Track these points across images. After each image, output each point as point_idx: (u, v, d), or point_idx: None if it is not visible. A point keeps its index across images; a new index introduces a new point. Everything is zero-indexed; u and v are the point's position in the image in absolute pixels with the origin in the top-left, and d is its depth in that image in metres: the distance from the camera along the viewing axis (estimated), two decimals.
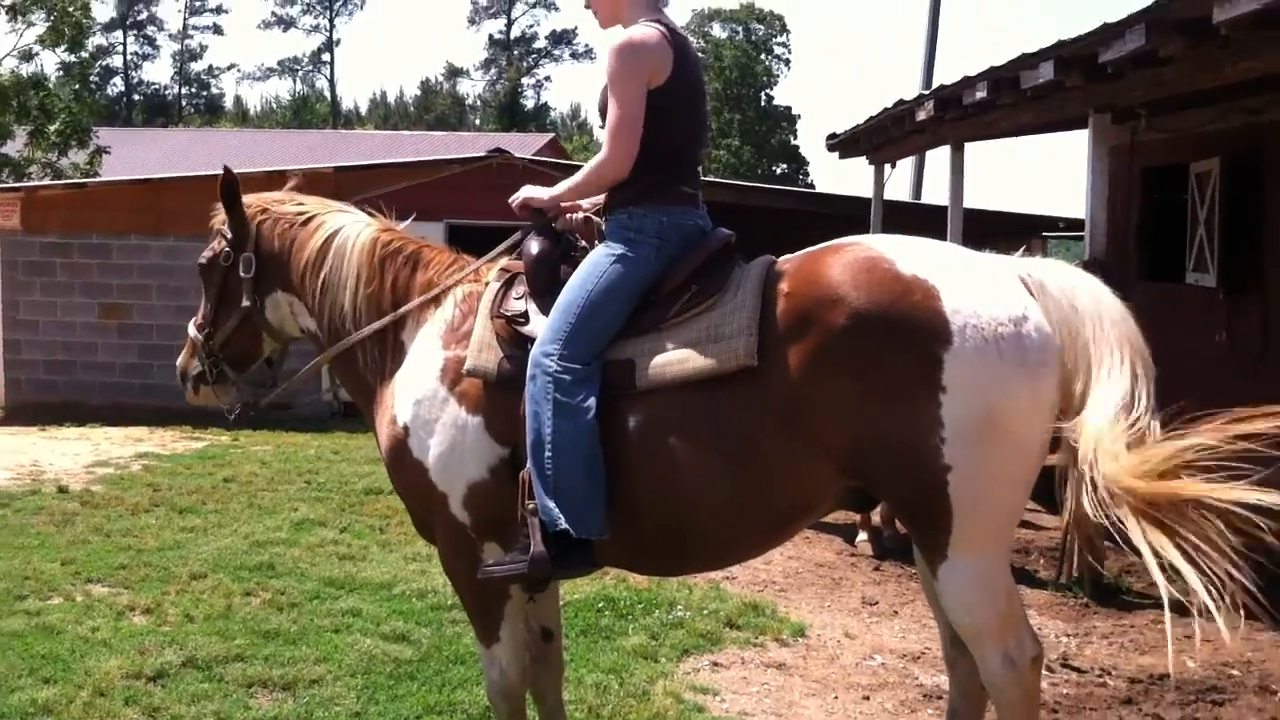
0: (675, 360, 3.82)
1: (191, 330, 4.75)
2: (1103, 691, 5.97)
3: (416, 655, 6.21)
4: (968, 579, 3.65)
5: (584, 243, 4.28)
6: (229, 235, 4.59)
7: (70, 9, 28.83)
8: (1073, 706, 5.76)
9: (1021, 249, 4.30)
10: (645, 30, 4.03)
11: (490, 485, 4.03)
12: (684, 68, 4.07)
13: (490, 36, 79.99)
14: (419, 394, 4.15)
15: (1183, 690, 5.97)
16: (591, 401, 3.82)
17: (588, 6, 4.32)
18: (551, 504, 3.81)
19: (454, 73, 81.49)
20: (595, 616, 6.89)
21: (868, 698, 5.88)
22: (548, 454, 3.81)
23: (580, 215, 4.36)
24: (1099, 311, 3.67)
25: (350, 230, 4.49)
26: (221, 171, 4.62)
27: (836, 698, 5.88)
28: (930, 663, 6.35)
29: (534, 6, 79.53)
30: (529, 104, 78.45)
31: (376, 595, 7.30)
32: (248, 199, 4.63)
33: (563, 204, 4.27)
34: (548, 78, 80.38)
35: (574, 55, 79.44)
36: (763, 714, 5.65)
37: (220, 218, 4.66)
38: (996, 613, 3.67)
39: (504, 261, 4.33)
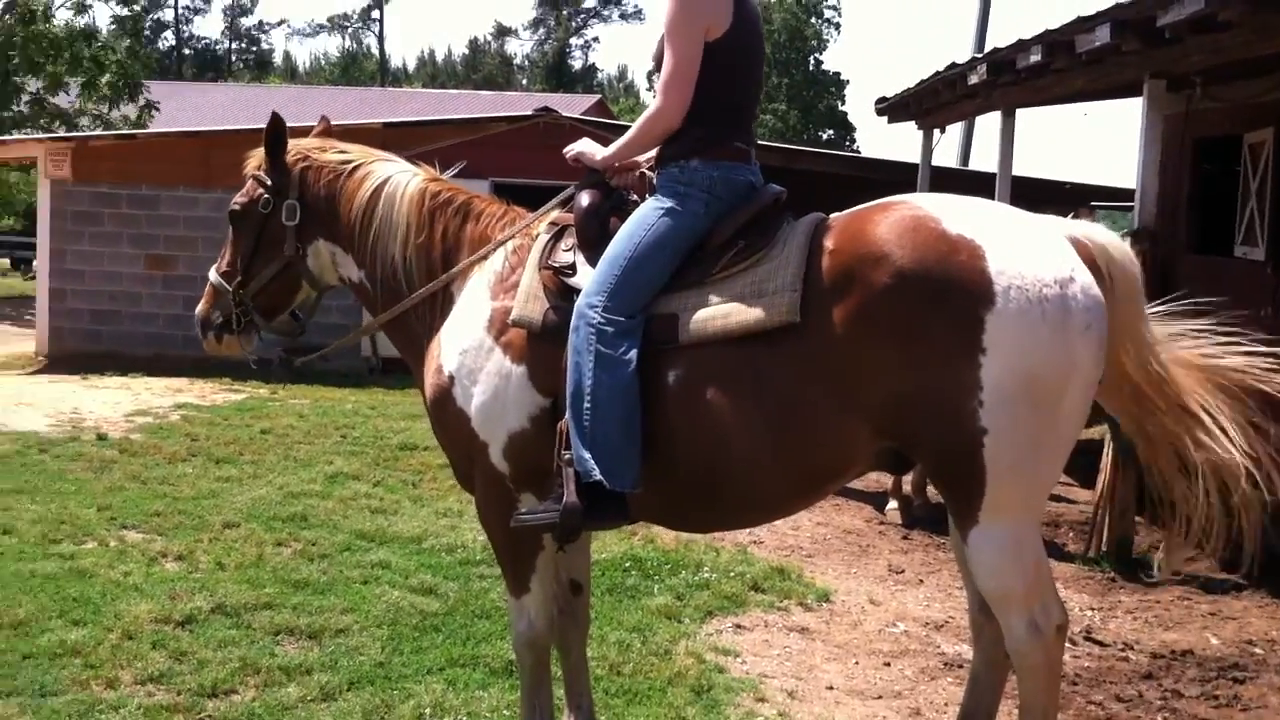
0: (718, 315, 3.79)
1: (214, 278, 4.64)
2: (1124, 665, 5.94)
3: (443, 608, 6.23)
4: (998, 544, 3.60)
5: (635, 197, 4.25)
6: (268, 182, 4.51)
7: None
8: (1093, 679, 5.72)
9: (1070, 216, 4.24)
10: None
11: (530, 435, 4.02)
12: (743, 20, 4.03)
13: None
14: (465, 344, 4.14)
15: (1204, 667, 5.94)
16: (633, 354, 3.80)
17: None
18: (587, 454, 3.79)
19: (502, 32, 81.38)
20: (622, 576, 6.88)
21: (889, 664, 5.86)
22: (586, 404, 3.79)
23: (637, 172, 4.31)
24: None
25: (399, 180, 4.45)
26: (270, 118, 4.54)
27: (857, 663, 5.86)
28: (953, 631, 6.31)
29: None
30: (576, 65, 78.27)
31: (406, 549, 7.33)
32: (290, 144, 4.58)
33: (617, 162, 4.23)
34: (596, 38, 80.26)
35: (623, 16, 79.16)
36: (783, 676, 5.63)
37: (255, 163, 4.61)
38: (1024, 579, 3.63)
39: (554, 215, 4.29)
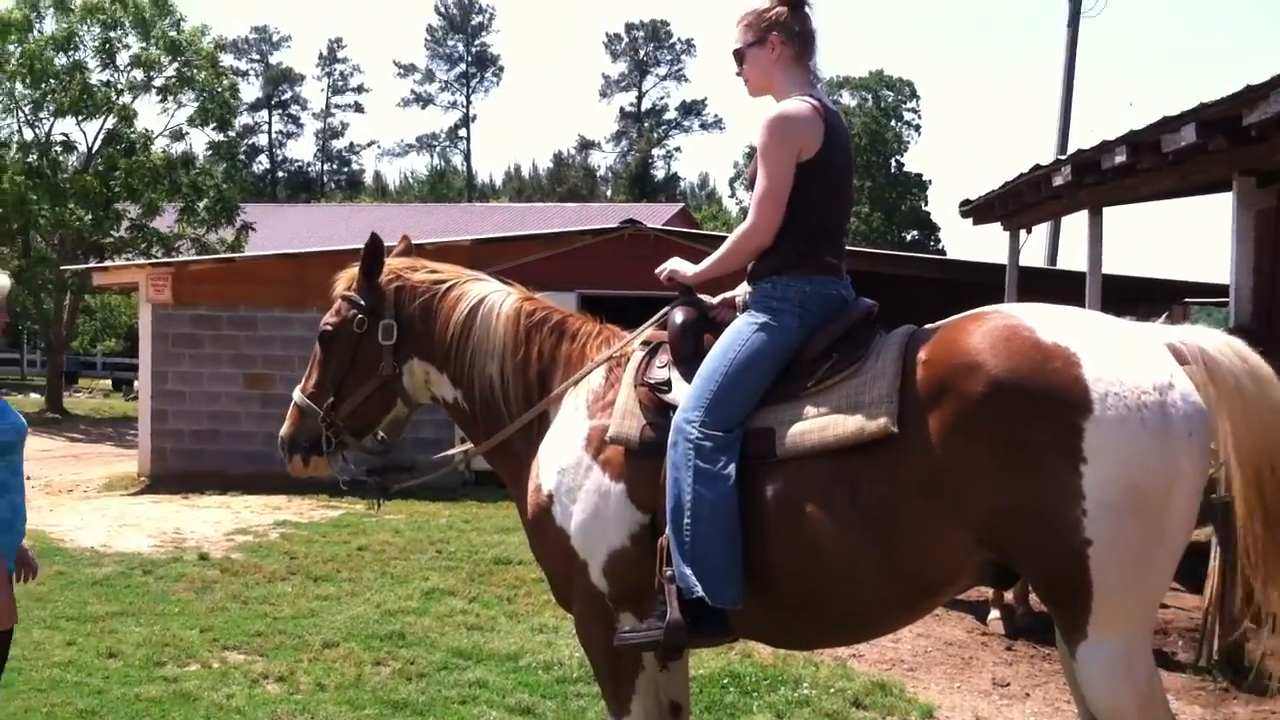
0: (815, 428, 3.80)
1: (300, 399, 4.59)
2: None
3: None
4: (1108, 660, 3.52)
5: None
6: (361, 302, 4.52)
7: (218, 89, 30.02)
8: None
9: (1163, 315, 4.18)
10: (798, 104, 4.06)
11: (631, 553, 4.03)
12: (833, 142, 4.08)
13: (621, 109, 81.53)
14: (564, 462, 4.17)
15: None
16: (732, 469, 3.81)
17: (739, 74, 4.34)
18: (689, 571, 3.79)
19: (585, 145, 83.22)
20: (720, 693, 6.78)
21: None
22: (687, 520, 3.80)
23: (737, 304, 4.32)
24: (1263, 384, 3.56)
25: (494, 299, 4.50)
26: (368, 239, 4.55)
27: None
28: None
29: (665, 79, 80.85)
30: (659, 174, 79.46)
31: (503, 666, 7.30)
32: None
33: (709, 278, 4.27)
34: (677, 148, 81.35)
35: (703, 125, 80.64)
36: None
37: (345, 283, 4.62)
38: (1137, 696, 3.53)
39: (649, 332, 4.34)
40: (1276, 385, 3.59)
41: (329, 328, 4.58)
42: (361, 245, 4.59)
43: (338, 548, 11.45)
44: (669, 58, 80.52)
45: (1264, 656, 7.05)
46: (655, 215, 33.46)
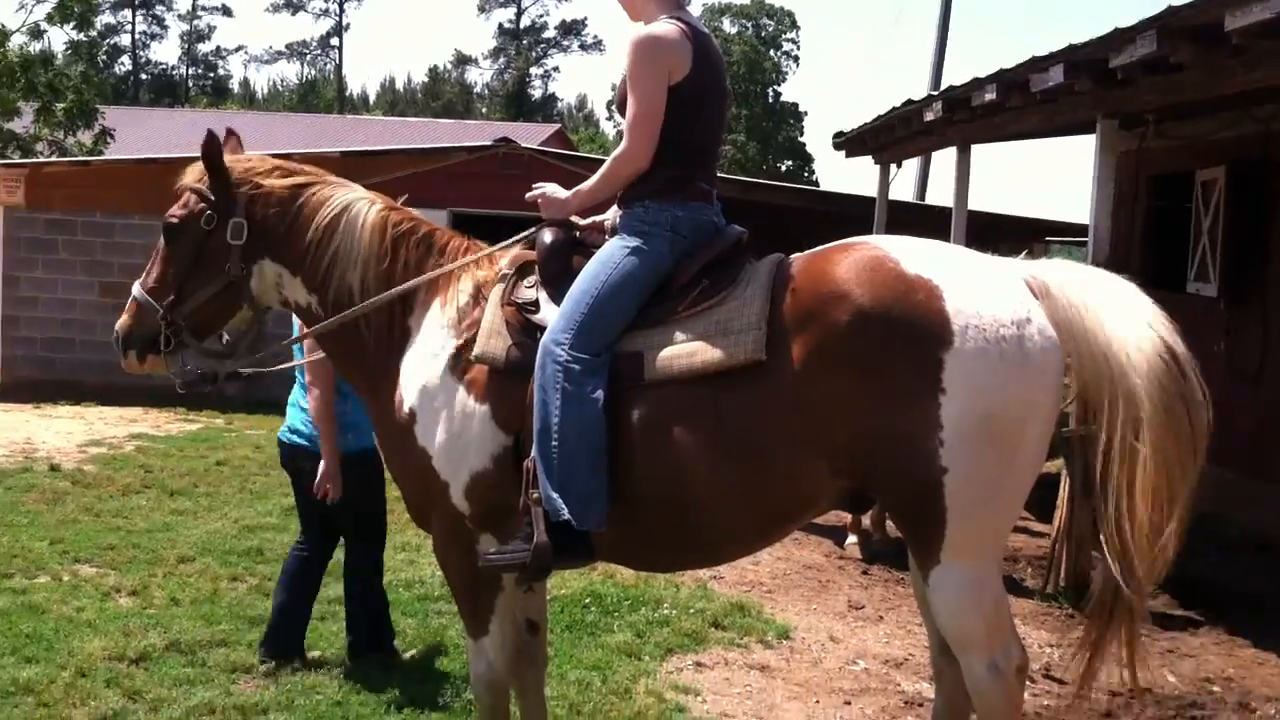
0: (684, 353, 3.82)
1: (140, 294, 4.35)
2: (1082, 704, 5.90)
3: (401, 646, 6.16)
4: (958, 584, 3.63)
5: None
6: (211, 197, 4.29)
7: None
8: (1052, 718, 5.72)
9: (1024, 252, 4.27)
10: (665, 26, 4.02)
11: (492, 474, 4.00)
12: (704, 64, 4.05)
13: (500, 25, 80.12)
14: (426, 380, 4.10)
15: (1163, 705, 5.92)
16: (600, 392, 3.80)
17: None
18: (555, 494, 3.78)
19: (462, 60, 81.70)
20: (581, 612, 6.84)
21: (849, 703, 5.85)
22: (554, 443, 3.78)
23: (606, 228, 4.29)
24: (1108, 303, 3.63)
25: (359, 207, 4.32)
26: (205, 136, 4.29)
27: (818, 702, 5.84)
28: (913, 669, 6.31)
29: None
30: (536, 94, 78.56)
31: None
32: (229, 160, 4.35)
33: (584, 206, 4.23)
34: (556, 68, 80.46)
35: (583, 46, 79.59)
36: (744, 716, 5.61)
37: (194, 176, 4.38)
38: (985, 620, 3.66)
39: (516, 251, 4.29)
40: (1119, 319, 3.61)
41: (175, 220, 4.34)
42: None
43: (195, 462, 11.23)
44: None
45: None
46: (531, 135, 33.04)
